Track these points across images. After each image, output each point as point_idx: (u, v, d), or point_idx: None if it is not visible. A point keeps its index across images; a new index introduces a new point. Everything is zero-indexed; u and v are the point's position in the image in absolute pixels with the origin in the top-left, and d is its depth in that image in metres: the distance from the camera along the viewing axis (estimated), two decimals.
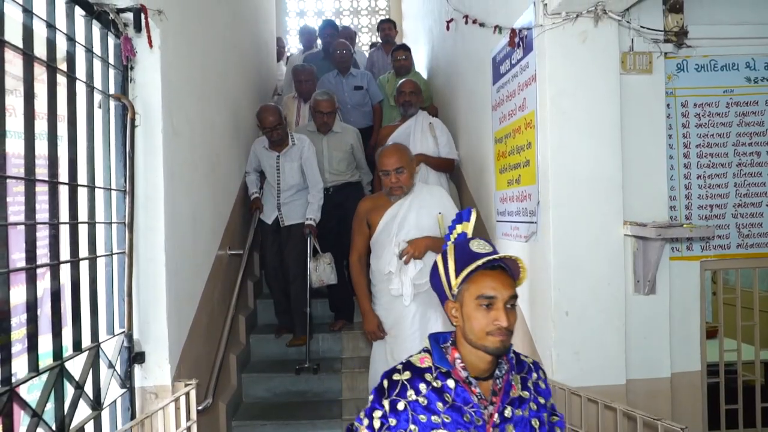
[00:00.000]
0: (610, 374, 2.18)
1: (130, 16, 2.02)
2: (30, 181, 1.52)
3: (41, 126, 1.61)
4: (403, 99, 3.69)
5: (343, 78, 4.58)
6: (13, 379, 1.41)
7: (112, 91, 2.03)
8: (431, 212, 2.60)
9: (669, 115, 2.39)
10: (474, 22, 3.25)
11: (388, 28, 5.68)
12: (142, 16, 2.00)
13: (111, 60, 2.03)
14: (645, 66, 2.29)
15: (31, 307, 1.51)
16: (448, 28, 4.10)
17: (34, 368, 1.51)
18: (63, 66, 1.74)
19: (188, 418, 2.15)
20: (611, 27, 2.19)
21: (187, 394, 2.16)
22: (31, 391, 1.58)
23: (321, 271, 3.46)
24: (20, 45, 1.50)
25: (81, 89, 1.84)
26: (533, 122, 2.34)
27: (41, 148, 1.60)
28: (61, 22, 1.72)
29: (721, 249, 2.41)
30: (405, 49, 4.80)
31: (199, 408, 2.31)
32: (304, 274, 3.50)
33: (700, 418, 2.40)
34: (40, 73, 1.62)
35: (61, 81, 1.71)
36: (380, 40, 5.78)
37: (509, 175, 2.71)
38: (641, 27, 2.23)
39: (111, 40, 2.03)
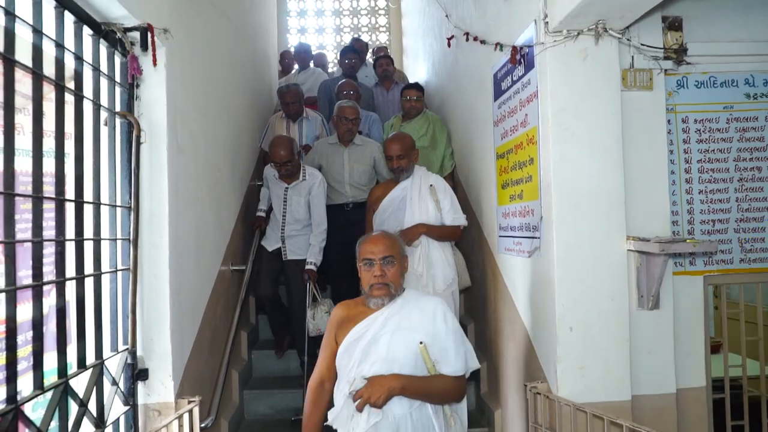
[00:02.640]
0: (615, 390, 2.17)
1: (136, 35, 2.04)
2: (37, 198, 1.53)
3: (48, 143, 1.63)
4: (392, 165, 3.03)
5: None
6: (18, 397, 1.40)
7: (117, 108, 2.05)
8: (411, 337, 1.79)
9: (670, 131, 2.42)
10: (475, 39, 3.29)
11: (386, 63, 5.26)
12: (149, 35, 2.03)
13: (117, 78, 2.05)
14: (645, 83, 2.31)
15: (37, 324, 1.51)
16: (449, 45, 4.14)
17: (39, 386, 1.51)
18: (70, 84, 1.76)
19: None
20: (612, 45, 2.21)
21: (191, 412, 2.15)
22: (35, 409, 1.57)
23: (318, 319, 3.30)
24: (30, 64, 1.52)
25: (87, 107, 1.86)
26: (535, 138, 2.36)
27: (48, 165, 1.61)
28: (69, 41, 1.74)
29: (723, 264, 2.42)
30: (418, 89, 4.18)
31: (202, 425, 2.29)
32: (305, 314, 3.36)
33: None
34: (48, 92, 1.64)
35: (68, 99, 1.73)
36: (377, 76, 5.35)
37: (511, 191, 2.72)
38: (641, 45, 2.26)
39: (117, 59, 2.05)
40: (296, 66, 5.93)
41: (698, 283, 2.40)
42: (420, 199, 2.97)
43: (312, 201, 3.43)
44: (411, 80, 5.82)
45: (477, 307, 3.53)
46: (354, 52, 5.13)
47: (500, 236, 2.93)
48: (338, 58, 5.44)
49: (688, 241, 2.08)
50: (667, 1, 2.26)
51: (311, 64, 6.00)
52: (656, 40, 2.36)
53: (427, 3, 5.49)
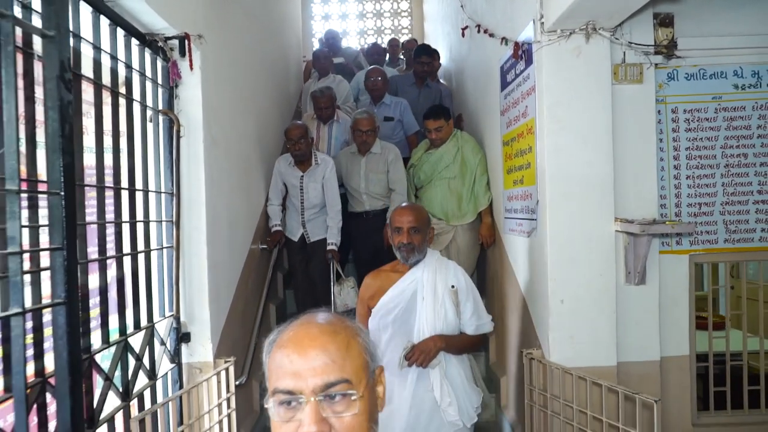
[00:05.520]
0: (601, 356, 2.41)
1: (175, 42, 2.33)
2: (100, 188, 1.85)
3: (107, 141, 1.94)
4: (402, 240, 2.23)
5: (375, 107, 4.39)
6: (91, 349, 1.73)
7: (160, 107, 2.35)
8: None
9: (660, 121, 2.60)
10: (485, 32, 3.48)
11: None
12: (186, 42, 2.31)
13: (159, 80, 2.35)
14: (636, 76, 2.50)
15: (103, 291, 1.84)
16: (463, 34, 4.33)
17: (105, 341, 1.84)
18: (122, 89, 2.06)
19: (227, 391, 2.46)
20: (603, 42, 2.40)
21: (227, 370, 2.47)
22: (102, 361, 1.90)
23: (345, 295, 3.46)
24: (91, 76, 1.82)
25: (136, 107, 2.16)
26: (533, 129, 2.57)
27: (107, 159, 1.92)
28: (120, 52, 2.04)
29: (708, 243, 2.61)
30: (437, 116, 3.56)
31: (236, 383, 2.62)
32: (329, 291, 3.58)
33: (689, 398, 2.61)
34: (105, 97, 1.94)
35: (120, 101, 2.03)
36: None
37: (515, 176, 2.95)
38: (629, 42, 2.45)
39: (159, 63, 2.35)
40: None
41: (684, 261, 2.60)
42: (436, 300, 2.21)
43: (325, 185, 3.63)
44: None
45: (486, 283, 3.78)
46: (428, 54, 4.71)
47: (505, 218, 3.17)
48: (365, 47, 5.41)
49: (667, 222, 2.28)
50: (655, 0, 2.42)
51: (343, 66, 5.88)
52: (648, 35, 2.53)
53: None
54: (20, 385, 1.11)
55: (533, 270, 2.65)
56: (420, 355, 2.11)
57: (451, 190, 3.56)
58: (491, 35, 3.32)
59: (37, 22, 1.39)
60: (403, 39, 7.34)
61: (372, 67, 4.69)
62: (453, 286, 2.24)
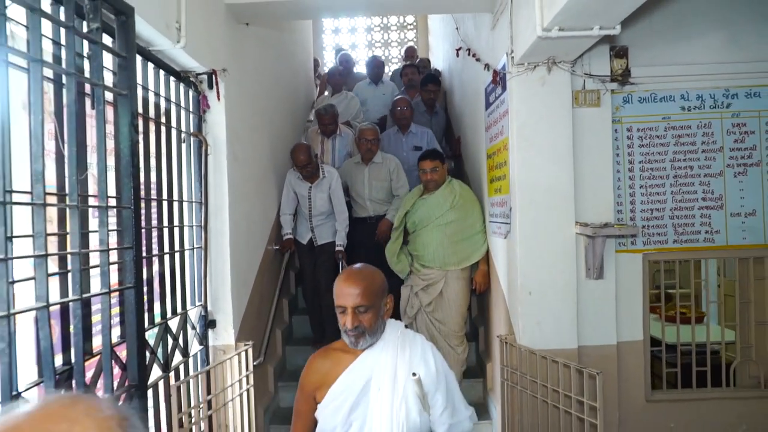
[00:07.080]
0: (564, 340, 2.83)
1: (204, 76, 2.80)
2: (147, 200, 2.32)
3: (151, 161, 2.40)
4: (346, 324, 1.64)
5: (403, 136, 4.65)
6: None
7: (192, 130, 2.82)
8: None
9: (616, 138, 3.01)
10: (473, 56, 3.92)
11: (411, 72, 5.51)
12: (214, 78, 2.78)
13: (191, 108, 2.82)
14: (594, 101, 2.92)
15: (149, 282, 2.30)
16: (458, 54, 4.77)
17: (151, 322, 2.30)
18: (163, 118, 2.53)
19: (246, 369, 2.91)
20: (564, 73, 2.82)
21: (246, 352, 2.92)
22: (148, 338, 2.37)
23: None
24: (141, 110, 2.29)
25: (173, 132, 2.63)
26: (507, 145, 3.00)
27: (152, 176, 2.39)
28: (162, 88, 2.51)
29: (660, 244, 3.02)
30: (433, 157, 3.63)
31: (254, 363, 3.07)
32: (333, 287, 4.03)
33: (643, 377, 3.02)
34: (151, 124, 2.41)
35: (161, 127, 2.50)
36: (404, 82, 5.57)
37: (495, 185, 3.37)
38: (586, 73, 2.87)
39: (191, 94, 2.82)
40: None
41: (638, 259, 3.01)
42: (395, 393, 1.66)
43: (332, 194, 4.06)
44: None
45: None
46: (434, 83, 5.09)
47: (490, 222, 3.60)
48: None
49: (615, 226, 2.70)
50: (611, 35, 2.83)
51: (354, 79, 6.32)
52: (605, 65, 2.95)
53: None
54: (107, 344, 1.56)
55: (509, 267, 3.08)
56: None
57: (447, 235, 3.56)
58: (477, 60, 3.76)
59: (104, 72, 1.86)
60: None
61: (399, 97, 4.91)
62: (414, 374, 1.64)
